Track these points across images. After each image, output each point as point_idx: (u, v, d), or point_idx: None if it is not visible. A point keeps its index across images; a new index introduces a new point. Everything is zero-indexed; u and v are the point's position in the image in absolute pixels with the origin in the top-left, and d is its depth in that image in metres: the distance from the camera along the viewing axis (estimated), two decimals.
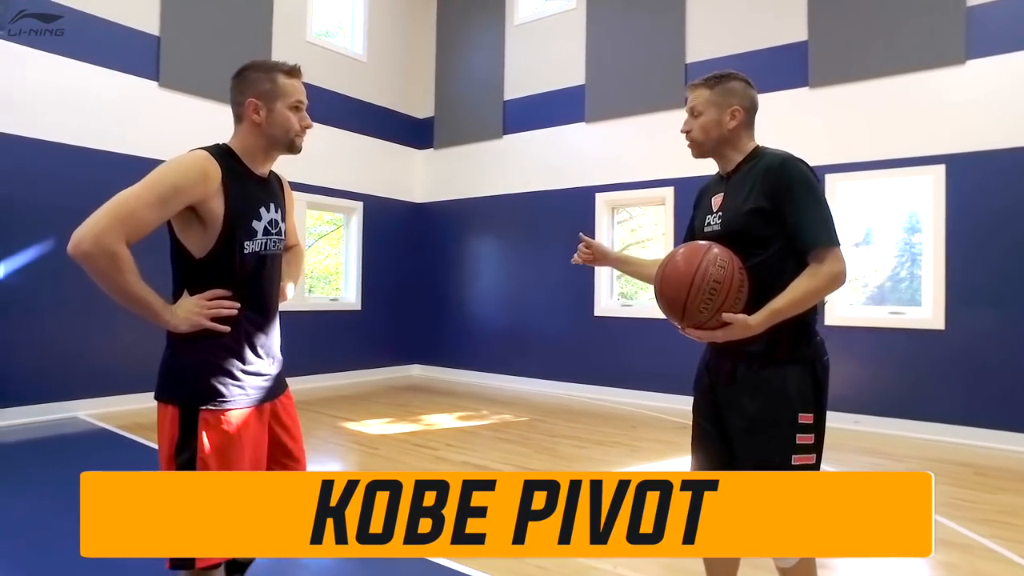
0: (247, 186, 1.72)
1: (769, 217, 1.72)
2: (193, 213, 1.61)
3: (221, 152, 1.69)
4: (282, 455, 1.87)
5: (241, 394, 1.69)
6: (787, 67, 6.14)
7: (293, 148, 1.78)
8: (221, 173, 1.63)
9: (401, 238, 8.82)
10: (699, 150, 1.89)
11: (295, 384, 8.12)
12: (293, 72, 1.77)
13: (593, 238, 8.07)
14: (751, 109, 1.86)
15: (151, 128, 6.07)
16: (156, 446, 4.70)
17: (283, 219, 1.84)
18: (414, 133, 9.05)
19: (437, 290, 8.86)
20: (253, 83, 1.72)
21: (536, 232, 7.88)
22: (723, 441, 1.87)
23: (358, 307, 8.20)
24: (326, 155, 7.82)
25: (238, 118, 1.75)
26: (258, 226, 1.72)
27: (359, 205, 8.24)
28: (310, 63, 7.60)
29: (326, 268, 9.67)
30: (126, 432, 4.96)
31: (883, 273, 6.09)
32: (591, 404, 6.78)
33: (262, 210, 1.74)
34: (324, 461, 4.56)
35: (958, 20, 5.35)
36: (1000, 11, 5.22)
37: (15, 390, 5.21)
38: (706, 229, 1.89)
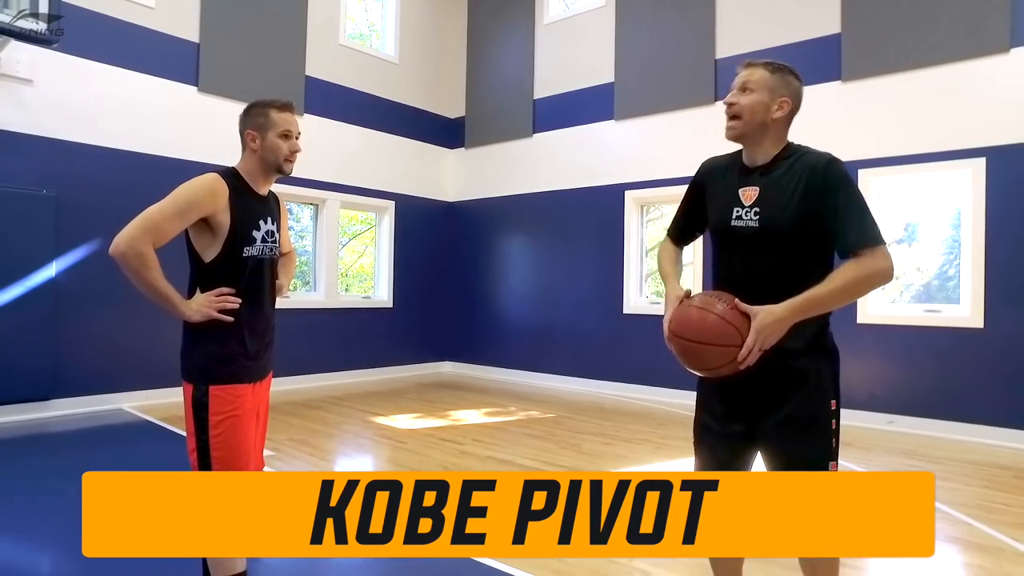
0: (249, 202, 2.04)
1: (811, 217, 1.72)
2: (205, 224, 1.94)
3: (229, 174, 2.03)
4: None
5: (242, 373, 2.00)
6: (819, 60, 6.02)
7: (282, 171, 2.08)
8: (228, 192, 1.96)
9: (432, 237, 8.93)
10: (738, 130, 1.82)
11: (327, 379, 8.32)
12: (285, 107, 2.07)
13: (622, 236, 7.95)
14: (796, 109, 1.83)
15: (191, 132, 6.31)
16: None
17: (278, 230, 2.17)
18: (445, 133, 9.15)
19: (468, 288, 8.96)
20: (252, 117, 2.05)
21: (566, 230, 7.89)
22: (731, 439, 1.87)
23: (390, 304, 8.35)
24: (359, 156, 7.98)
25: (242, 146, 2.09)
26: (257, 235, 2.04)
27: (391, 204, 8.39)
28: (343, 66, 7.80)
29: (361, 267, 9.85)
30: (166, 423, 5.18)
31: (929, 271, 5.90)
32: (619, 401, 6.78)
33: (261, 222, 2.06)
34: (352, 454, 4.68)
35: (1002, 6, 5.16)
36: None
37: (65, 382, 5.48)
38: (735, 223, 1.82)
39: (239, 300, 1.98)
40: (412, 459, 4.38)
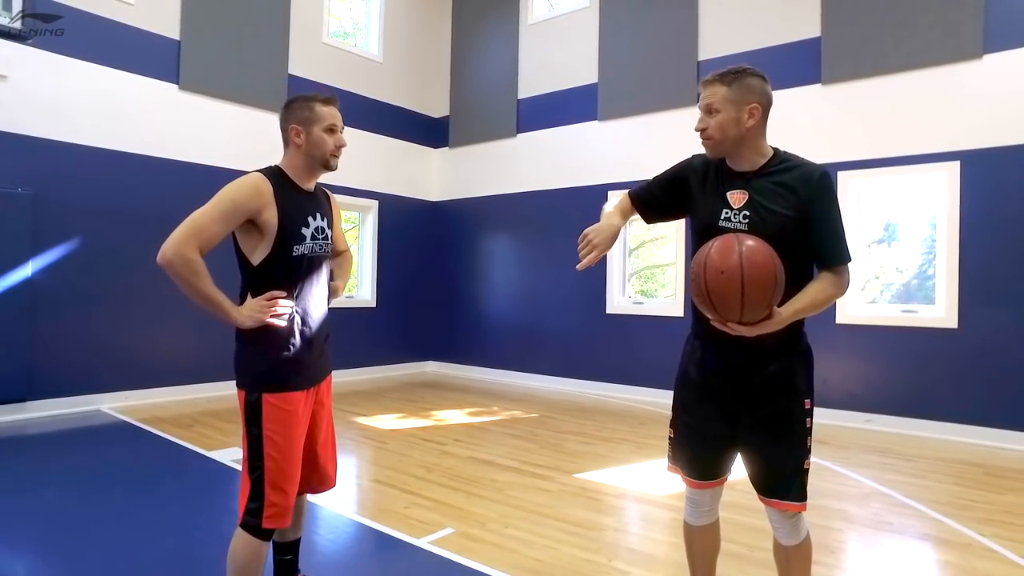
0: (296, 198, 2.00)
1: (798, 224, 1.76)
2: (252, 225, 1.90)
3: (273, 172, 1.99)
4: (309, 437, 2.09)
5: (296, 379, 1.96)
6: (800, 64, 6.09)
7: (329, 166, 2.05)
8: (272, 189, 1.92)
9: (416, 236, 8.92)
10: (716, 149, 1.85)
11: None
12: (329, 101, 2.04)
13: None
14: (767, 107, 1.82)
15: (171, 130, 6.24)
16: (173, 439, 4.84)
17: (329, 226, 2.11)
18: (429, 132, 9.15)
19: (452, 288, 8.96)
20: (295, 111, 2.01)
21: (549, 230, 7.92)
22: (714, 440, 1.92)
23: (373, 304, 8.33)
24: (342, 155, 7.93)
25: (285, 142, 2.04)
26: (306, 232, 1.99)
27: (374, 204, 8.37)
28: (327, 64, 7.77)
29: None
30: (146, 425, 5.13)
31: (909, 271, 5.99)
32: (601, 401, 6.82)
33: (310, 218, 2.01)
34: None
35: (975, 13, 5.26)
36: (1018, 3, 5.12)
37: (42, 384, 5.41)
38: (723, 224, 1.82)
39: (291, 304, 1.94)
40: (393, 459, 4.38)
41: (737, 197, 1.83)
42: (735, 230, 1.78)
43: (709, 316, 1.70)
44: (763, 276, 1.59)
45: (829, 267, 1.80)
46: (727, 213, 1.83)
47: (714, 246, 1.67)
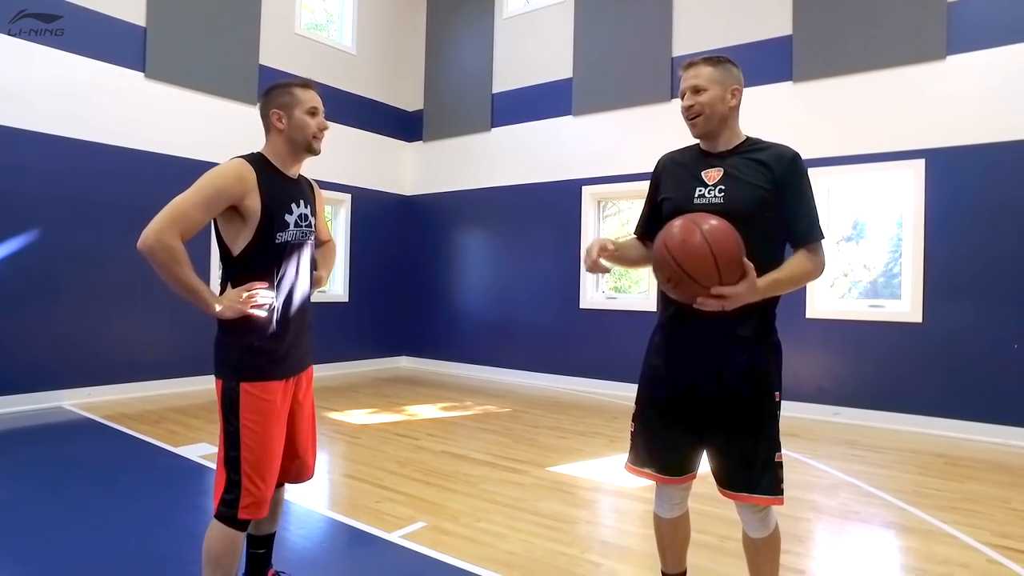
0: (279, 184, 2.00)
1: (772, 201, 1.80)
2: (235, 212, 1.89)
3: (256, 158, 1.99)
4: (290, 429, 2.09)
5: (274, 369, 1.96)
6: (772, 61, 6.17)
7: (311, 149, 2.05)
8: (256, 175, 1.91)
9: (389, 230, 8.85)
10: (704, 126, 1.87)
11: None
12: (307, 84, 2.06)
13: (579, 231, 7.98)
14: (742, 92, 1.90)
15: (136, 119, 6.08)
16: (139, 435, 4.71)
17: (312, 214, 2.11)
18: (403, 126, 9.07)
19: (425, 282, 8.90)
20: (275, 97, 2.02)
21: (524, 225, 7.91)
22: (682, 435, 1.92)
23: (346, 299, 8.24)
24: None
25: (267, 129, 2.04)
26: (290, 219, 1.98)
27: (347, 197, 8.27)
28: (299, 56, 7.65)
29: None
30: (110, 422, 5.00)
31: (876, 269, 6.11)
32: (576, 396, 6.84)
33: (293, 205, 2.00)
34: None
35: (939, 16, 5.39)
36: (980, 7, 5.25)
37: None
38: (697, 201, 1.84)
39: (272, 294, 1.93)
40: (365, 454, 4.34)
41: (712, 174, 1.87)
42: (709, 205, 1.81)
43: (689, 294, 1.68)
44: (724, 235, 1.65)
45: (804, 244, 1.83)
46: (701, 191, 1.86)
47: (674, 225, 1.72)
